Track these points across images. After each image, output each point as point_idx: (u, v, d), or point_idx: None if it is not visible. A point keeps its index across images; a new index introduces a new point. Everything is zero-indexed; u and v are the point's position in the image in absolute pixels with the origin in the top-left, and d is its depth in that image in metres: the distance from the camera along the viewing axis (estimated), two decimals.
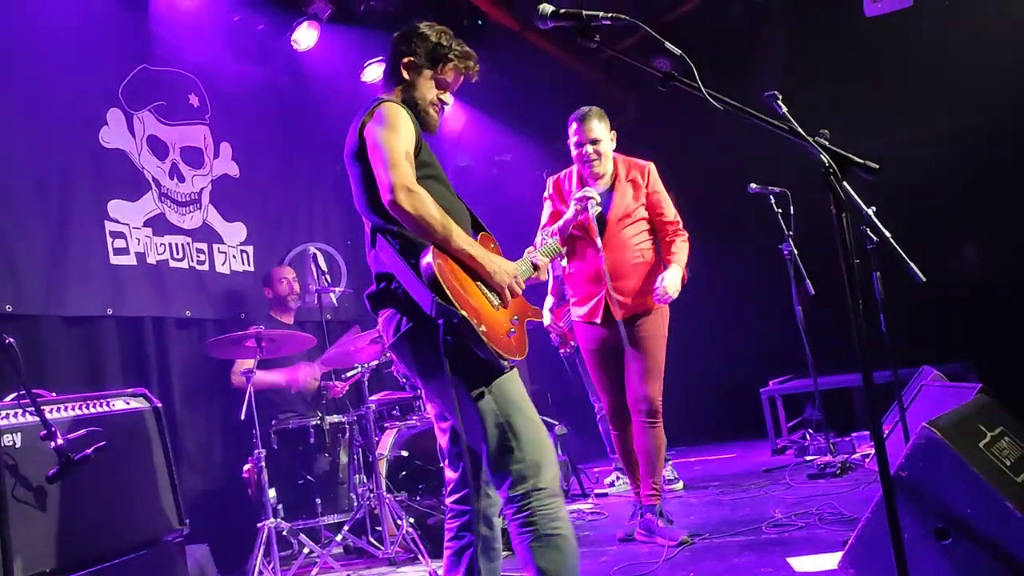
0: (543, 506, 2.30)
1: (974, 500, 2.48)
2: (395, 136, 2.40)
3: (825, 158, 1.92)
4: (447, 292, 2.24)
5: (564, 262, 3.41)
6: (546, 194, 4.21)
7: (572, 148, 4.06)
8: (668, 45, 2.21)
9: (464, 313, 2.23)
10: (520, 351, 2.45)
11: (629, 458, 4.13)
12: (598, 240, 3.99)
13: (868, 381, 1.86)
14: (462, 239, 2.36)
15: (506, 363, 2.35)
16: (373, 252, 2.47)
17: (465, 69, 2.63)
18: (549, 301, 5.91)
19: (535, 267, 2.82)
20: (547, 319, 5.92)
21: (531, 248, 2.97)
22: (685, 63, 2.27)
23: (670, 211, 4.09)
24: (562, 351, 5.98)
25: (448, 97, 2.64)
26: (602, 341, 4.04)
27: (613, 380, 4.05)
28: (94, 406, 3.24)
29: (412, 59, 2.58)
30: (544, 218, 4.17)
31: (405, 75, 2.59)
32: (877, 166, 1.92)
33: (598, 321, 4.01)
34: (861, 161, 1.92)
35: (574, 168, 4.16)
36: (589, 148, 3.99)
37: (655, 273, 4.00)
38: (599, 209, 3.81)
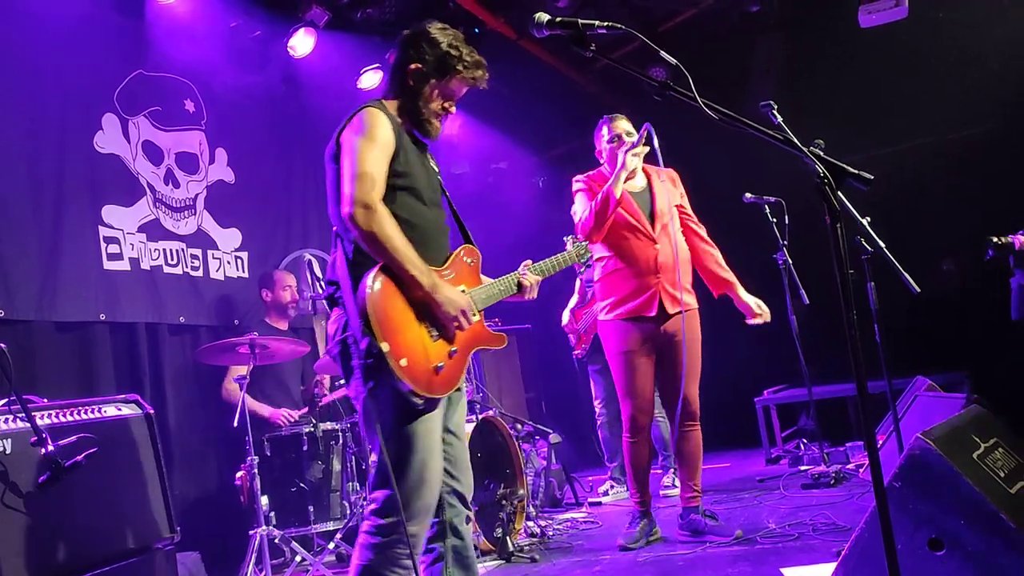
0: (391, 546, 2.31)
1: (968, 511, 2.47)
2: (368, 145, 2.36)
3: (820, 169, 1.92)
4: (372, 320, 2.23)
5: (583, 270, 3.40)
6: (579, 188, 4.12)
7: (606, 144, 4.13)
8: (664, 54, 2.21)
9: (384, 345, 2.22)
10: (445, 387, 2.40)
11: (639, 467, 4.11)
12: (651, 230, 4.00)
13: (862, 392, 1.85)
14: (414, 266, 2.31)
15: (420, 400, 2.31)
16: (332, 255, 2.47)
17: (473, 80, 2.57)
18: (573, 301, 5.91)
19: (519, 287, 2.76)
20: (565, 318, 5.90)
21: (527, 262, 2.90)
22: (681, 72, 2.27)
23: (694, 217, 4.25)
24: (576, 352, 5.93)
25: (453, 106, 2.59)
26: (643, 340, 3.98)
27: (645, 383, 4.03)
28: (85, 412, 3.22)
29: (419, 66, 2.52)
30: (581, 207, 4.03)
31: (410, 82, 2.53)
32: (871, 177, 1.92)
33: (652, 314, 3.96)
34: (856, 172, 1.93)
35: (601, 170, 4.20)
36: (629, 138, 4.05)
37: (689, 271, 4.13)
38: (638, 161, 3.97)
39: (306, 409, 5.03)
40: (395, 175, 2.42)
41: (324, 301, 2.50)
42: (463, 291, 2.53)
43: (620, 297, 4.01)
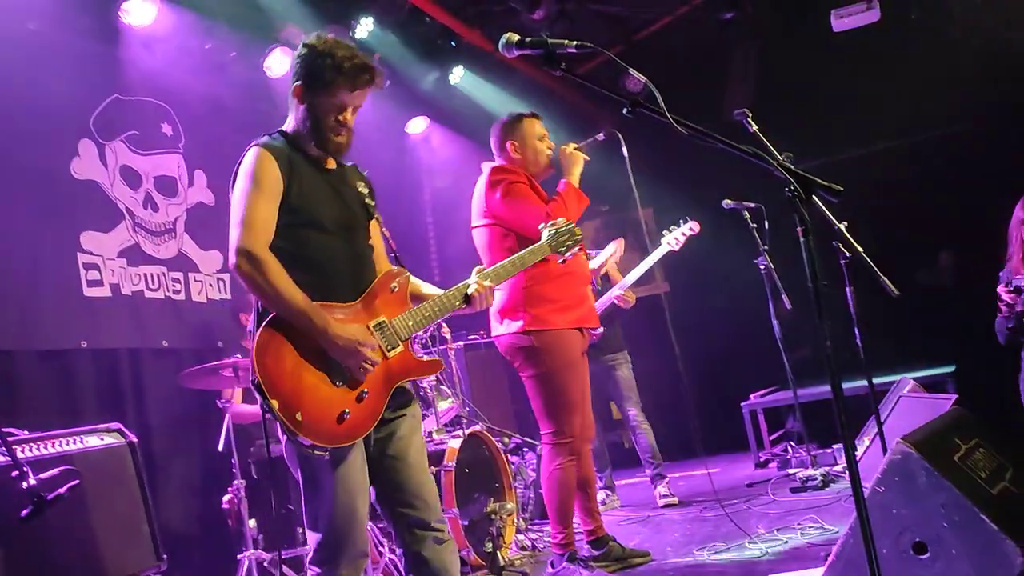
0: None
1: (950, 514, 2.50)
2: (254, 191, 2.32)
3: (791, 181, 1.94)
4: (260, 378, 2.19)
5: (563, 260, 2.99)
6: (516, 180, 3.73)
7: (536, 140, 3.83)
8: (632, 72, 2.23)
9: (273, 403, 2.18)
10: (354, 433, 2.31)
11: (571, 496, 3.75)
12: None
13: (839, 404, 1.87)
14: (300, 312, 2.25)
15: (323, 453, 2.25)
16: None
17: (355, 85, 2.41)
18: None
19: (467, 299, 2.57)
20: None
21: (479, 267, 2.74)
22: (649, 89, 2.28)
23: None
24: None
25: (350, 115, 2.45)
26: (583, 351, 3.77)
27: (587, 397, 3.80)
28: (67, 443, 3.19)
29: (300, 84, 2.43)
30: (530, 202, 3.67)
31: (299, 103, 2.45)
32: (840, 188, 1.94)
33: (597, 327, 3.85)
34: (825, 184, 1.94)
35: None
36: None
37: None
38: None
39: None
40: (289, 212, 2.36)
41: None
42: (381, 323, 2.41)
43: (569, 303, 3.70)
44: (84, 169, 4.71)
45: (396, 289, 2.50)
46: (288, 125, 2.52)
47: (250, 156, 2.39)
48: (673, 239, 4.94)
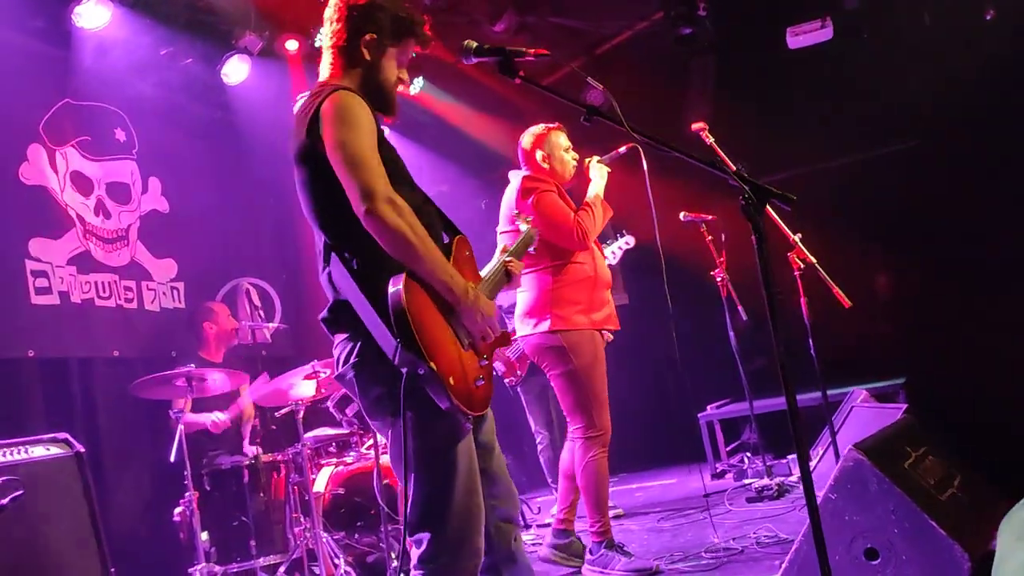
0: None
1: (900, 520, 2.54)
2: (359, 134, 2.09)
3: (745, 190, 1.97)
4: (415, 335, 1.94)
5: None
6: (546, 188, 3.80)
7: (562, 152, 3.93)
8: (591, 80, 2.25)
9: (433, 365, 1.94)
10: (484, 404, 2.14)
11: (607, 485, 3.84)
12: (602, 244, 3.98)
13: (793, 415, 1.89)
14: (443, 269, 2.07)
15: (468, 419, 2.07)
16: (326, 271, 2.15)
17: (425, 40, 2.36)
18: None
19: (508, 275, 2.45)
20: None
21: (504, 245, 2.66)
22: (608, 98, 2.31)
23: None
24: (510, 380, 5.54)
25: (406, 74, 2.36)
26: (603, 352, 3.86)
27: None
28: (10, 454, 3.11)
29: (374, 36, 2.25)
30: (559, 210, 3.75)
31: (366, 55, 2.26)
32: (794, 197, 1.97)
33: (618, 328, 3.91)
34: (779, 192, 1.97)
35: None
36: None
37: None
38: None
39: (233, 414, 4.81)
40: (383, 163, 2.13)
41: (320, 320, 2.23)
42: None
43: (592, 306, 3.79)
44: (33, 174, 4.61)
45: (469, 255, 2.34)
46: (343, 79, 2.29)
47: (343, 99, 2.13)
48: (610, 253, 4.95)
